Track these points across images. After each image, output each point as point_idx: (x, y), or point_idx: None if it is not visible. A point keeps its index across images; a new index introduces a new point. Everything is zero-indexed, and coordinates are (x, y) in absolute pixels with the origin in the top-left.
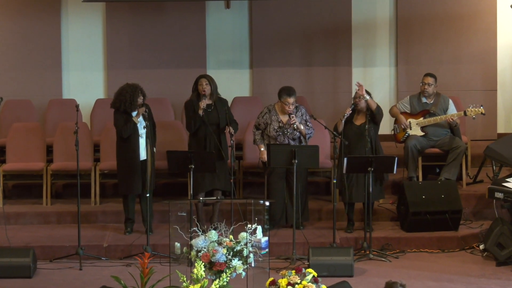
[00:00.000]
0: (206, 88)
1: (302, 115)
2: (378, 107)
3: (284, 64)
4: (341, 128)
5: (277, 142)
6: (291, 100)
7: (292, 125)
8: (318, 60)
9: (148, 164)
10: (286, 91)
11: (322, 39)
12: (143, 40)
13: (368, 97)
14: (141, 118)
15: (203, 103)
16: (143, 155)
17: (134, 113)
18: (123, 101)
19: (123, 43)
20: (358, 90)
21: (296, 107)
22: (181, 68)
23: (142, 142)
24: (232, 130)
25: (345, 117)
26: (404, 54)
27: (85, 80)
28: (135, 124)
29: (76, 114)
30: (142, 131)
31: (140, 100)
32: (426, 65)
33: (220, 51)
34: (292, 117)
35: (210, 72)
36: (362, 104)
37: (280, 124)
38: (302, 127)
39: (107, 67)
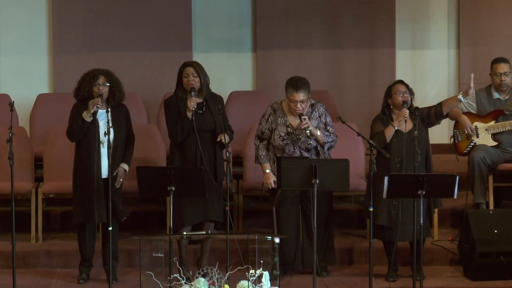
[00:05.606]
0: (193, 80)
1: (320, 116)
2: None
3: (301, 45)
4: (389, 138)
5: (284, 155)
6: (299, 96)
7: (303, 131)
8: (349, 40)
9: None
10: (292, 84)
11: (355, 11)
12: (103, 14)
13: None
14: (105, 119)
15: (193, 102)
16: (105, 171)
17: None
18: (79, 89)
19: (76, 18)
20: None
21: (311, 105)
22: (157, 51)
23: (104, 153)
24: (226, 139)
25: (401, 121)
26: (468, 31)
27: (22, 69)
28: (83, 122)
29: (10, 115)
30: (106, 138)
31: (100, 88)
32: (498, 47)
33: (211, 27)
34: (304, 119)
35: (197, 57)
36: (409, 101)
37: (289, 129)
38: (318, 133)
39: (52, 51)
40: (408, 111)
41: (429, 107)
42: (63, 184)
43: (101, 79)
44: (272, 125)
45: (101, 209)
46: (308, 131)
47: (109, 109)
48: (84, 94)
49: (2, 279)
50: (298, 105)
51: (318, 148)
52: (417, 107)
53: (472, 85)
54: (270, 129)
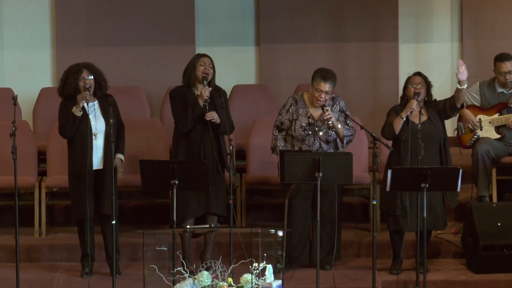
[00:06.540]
0: (210, 71)
1: (340, 110)
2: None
3: (304, 39)
4: (398, 129)
5: (304, 146)
6: (325, 86)
7: (326, 122)
8: (352, 33)
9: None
10: (321, 74)
11: (357, 4)
12: (106, 8)
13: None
14: (97, 111)
15: (207, 90)
16: (96, 163)
17: (93, 104)
18: (64, 86)
19: (79, 11)
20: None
21: (332, 99)
22: (160, 45)
23: (98, 145)
24: (216, 117)
25: (409, 113)
26: (471, 24)
27: (25, 62)
28: (74, 118)
29: (13, 109)
30: (100, 130)
31: (86, 82)
32: (502, 40)
33: (214, 21)
34: (327, 109)
35: (200, 51)
36: (423, 93)
37: (310, 119)
38: (339, 126)
39: (55, 44)
40: (415, 102)
41: (446, 99)
42: (67, 178)
43: (84, 73)
44: (293, 115)
45: (92, 202)
46: (330, 122)
47: (111, 102)
48: (70, 90)
49: (6, 272)
50: (323, 95)
51: (337, 141)
52: (435, 100)
53: (461, 70)
54: (290, 120)
